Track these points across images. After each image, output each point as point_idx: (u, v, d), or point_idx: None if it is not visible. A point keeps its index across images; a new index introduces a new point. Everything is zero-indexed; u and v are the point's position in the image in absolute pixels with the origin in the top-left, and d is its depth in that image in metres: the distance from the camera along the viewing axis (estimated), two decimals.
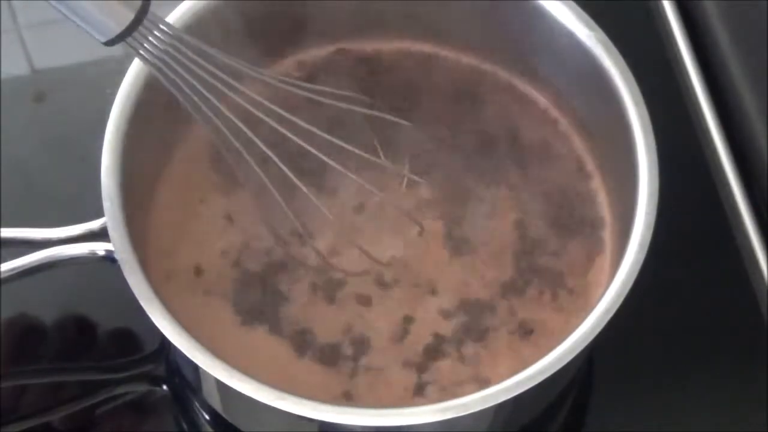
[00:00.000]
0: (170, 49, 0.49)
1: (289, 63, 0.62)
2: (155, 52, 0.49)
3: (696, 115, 0.68)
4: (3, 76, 0.70)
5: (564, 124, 0.60)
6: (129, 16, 0.47)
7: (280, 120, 0.51)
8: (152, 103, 0.55)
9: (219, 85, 0.50)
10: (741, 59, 0.68)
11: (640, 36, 0.72)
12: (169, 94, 0.55)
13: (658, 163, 0.53)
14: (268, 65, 0.61)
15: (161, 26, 0.48)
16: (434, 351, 0.55)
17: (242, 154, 0.51)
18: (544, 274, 0.56)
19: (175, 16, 0.56)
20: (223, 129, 0.51)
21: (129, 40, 0.48)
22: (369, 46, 0.62)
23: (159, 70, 0.49)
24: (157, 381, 0.60)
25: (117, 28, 0.47)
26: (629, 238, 0.52)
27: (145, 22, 0.47)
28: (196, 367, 0.49)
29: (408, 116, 0.58)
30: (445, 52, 0.62)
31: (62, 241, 0.54)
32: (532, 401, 0.54)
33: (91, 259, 0.54)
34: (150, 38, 0.48)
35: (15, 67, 0.71)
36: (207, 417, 0.59)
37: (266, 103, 0.51)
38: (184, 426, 0.60)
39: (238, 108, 0.51)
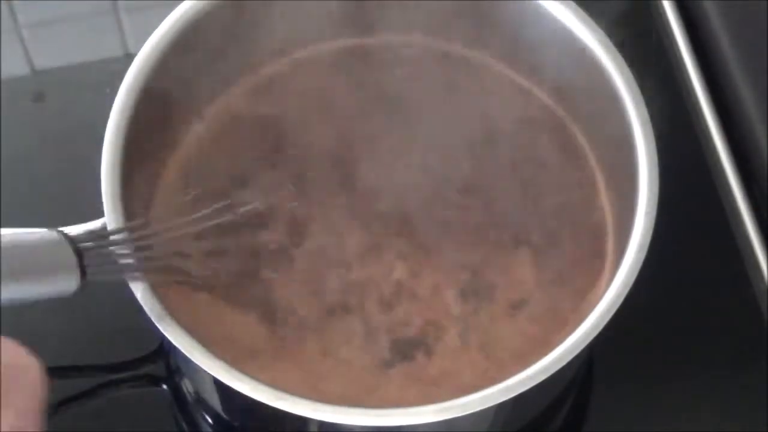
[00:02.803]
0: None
1: (286, 61, 0.62)
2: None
3: (696, 115, 0.68)
4: (3, 76, 0.70)
5: (563, 123, 0.60)
6: (76, 274, 0.47)
7: None
8: (152, 103, 0.55)
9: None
10: (741, 59, 0.68)
11: (640, 36, 0.72)
12: (167, 95, 0.56)
13: (658, 163, 0.53)
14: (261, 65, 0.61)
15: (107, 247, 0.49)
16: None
17: None
18: (544, 273, 0.57)
19: (173, 18, 0.56)
20: None
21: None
22: (371, 40, 0.62)
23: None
24: (157, 381, 0.60)
25: (74, 287, 0.48)
26: (629, 239, 0.52)
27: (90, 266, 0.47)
28: (196, 367, 0.49)
29: (406, 112, 0.59)
30: (446, 49, 0.62)
31: None
32: (532, 401, 0.54)
33: None
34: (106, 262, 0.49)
35: (15, 67, 0.71)
36: (207, 417, 0.59)
37: None
38: (184, 426, 0.60)
39: None
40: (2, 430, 0.36)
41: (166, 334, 0.49)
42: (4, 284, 0.44)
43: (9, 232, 0.45)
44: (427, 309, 0.56)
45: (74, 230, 0.54)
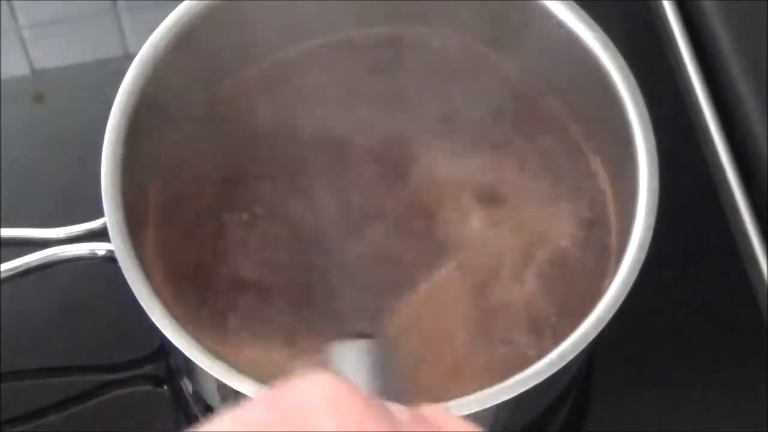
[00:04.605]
0: None
1: (293, 50, 0.62)
2: None
3: (696, 115, 0.68)
4: (3, 76, 0.70)
5: (563, 122, 0.60)
6: None
7: None
8: (152, 102, 0.55)
9: None
10: (741, 59, 0.68)
11: (640, 36, 0.72)
12: (167, 94, 0.55)
13: (658, 164, 0.53)
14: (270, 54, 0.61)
15: None
16: None
17: None
18: (546, 272, 0.57)
19: (173, 18, 0.56)
20: None
21: None
22: (381, 32, 0.62)
23: None
24: (157, 381, 0.60)
25: None
26: (629, 238, 0.52)
27: None
28: (196, 367, 0.49)
29: (407, 107, 0.59)
30: (444, 45, 0.62)
31: (62, 241, 0.54)
32: (533, 401, 0.54)
33: (92, 259, 0.54)
34: None
35: (15, 67, 0.71)
36: (207, 417, 0.59)
37: None
38: (184, 426, 0.60)
39: None
40: None
41: (166, 334, 0.49)
42: None
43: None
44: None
45: (74, 230, 0.54)
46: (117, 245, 0.51)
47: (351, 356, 0.41)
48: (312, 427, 0.30)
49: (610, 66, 0.56)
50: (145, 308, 0.49)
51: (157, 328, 0.49)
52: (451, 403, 0.47)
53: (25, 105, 0.69)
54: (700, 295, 0.63)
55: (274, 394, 0.31)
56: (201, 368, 0.48)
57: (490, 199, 0.59)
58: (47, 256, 0.54)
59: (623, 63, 0.55)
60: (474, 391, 0.48)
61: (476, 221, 0.58)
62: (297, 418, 0.30)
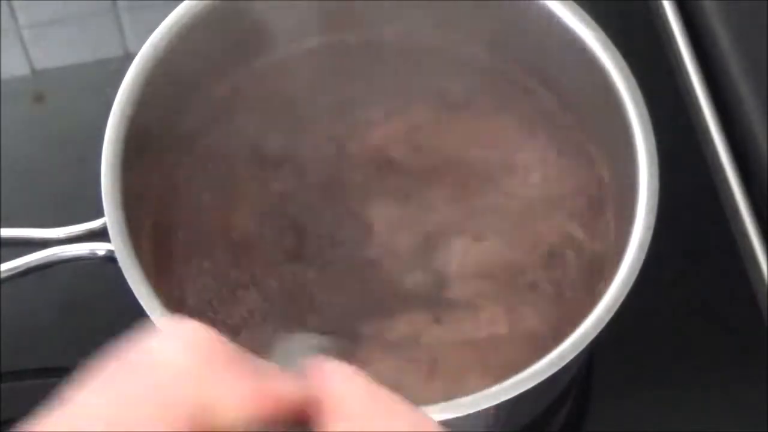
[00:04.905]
0: None
1: (293, 50, 0.62)
2: None
3: (696, 115, 0.68)
4: (3, 76, 0.70)
5: (563, 122, 0.60)
6: None
7: None
8: (152, 102, 0.55)
9: None
10: (741, 59, 0.68)
11: (640, 36, 0.72)
12: (167, 94, 0.55)
13: (658, 164, 0.53)
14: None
15: None
16: None
17: None
18: (546, 272, 0.57)
19: (173, 18, 0.56)
20: None
21: None
22: (381, 32, 0.62)
23: None
24: None
25: None
26: (629, 238, 0.51)
27: None
28: None
29: (407, 104, 0.60)
30: (442, 46, 0.62)
31: (62, 241, 0.54)
32: (532, 401, 0.54)
33: (92, 259, 0.54)
34: None
35: (15, 67, 0.71)
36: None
37: None
38: None
39: None
40: None
41: None
42: None
43: None
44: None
45: (74, 230, 0.54)
46: (117, 245, 0.51)
47: (290, 347, 0.40)
48: (160, 361, 0.30)
49: (610, 66, 0.56)
50: (145, 308, 0.49)
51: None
52: (450, 403, 0.47)
53: (25, 105, 0.69)
54: (700, 295, 0.63)
55: (132, 342, 0.31)
56: None
57: (489, 199, 0.59)
58: (47, 256, 0.54)
59: (623, 63, 0.55)
60: (474, 390, 0.48)
61: (476, 221, 0.58)
62: (145, 358, 0.30)
